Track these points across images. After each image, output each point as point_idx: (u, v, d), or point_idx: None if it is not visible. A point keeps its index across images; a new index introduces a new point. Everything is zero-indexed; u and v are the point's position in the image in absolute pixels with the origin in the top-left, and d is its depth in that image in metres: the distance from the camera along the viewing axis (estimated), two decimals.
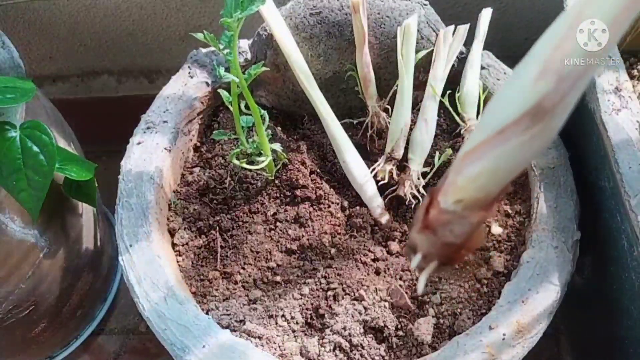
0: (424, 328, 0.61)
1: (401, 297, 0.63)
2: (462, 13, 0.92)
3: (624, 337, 0.67)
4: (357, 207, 0.72)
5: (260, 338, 0.62)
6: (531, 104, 0.32)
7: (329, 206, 0.72)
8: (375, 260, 0.68)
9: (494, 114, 0.35)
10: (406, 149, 0.74)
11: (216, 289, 0.67)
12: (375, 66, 0.75)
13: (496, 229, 0.68)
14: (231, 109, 0.67)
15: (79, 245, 0.86)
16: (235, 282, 0.68)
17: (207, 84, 0.79)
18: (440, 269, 0.40)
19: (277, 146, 0.72)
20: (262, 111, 0.69)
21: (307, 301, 0.65)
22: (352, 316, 0.63)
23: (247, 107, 0.67)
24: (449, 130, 0.76)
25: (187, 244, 0.71)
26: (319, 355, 0.61)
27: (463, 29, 0.75)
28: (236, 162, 0.70)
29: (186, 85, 0.78)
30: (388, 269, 0.67)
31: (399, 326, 0.62)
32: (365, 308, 0.63)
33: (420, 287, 0.41)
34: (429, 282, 0.65)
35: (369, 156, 0.76)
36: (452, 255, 0.39)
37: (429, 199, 0.38)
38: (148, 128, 0.75)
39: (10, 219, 0.71)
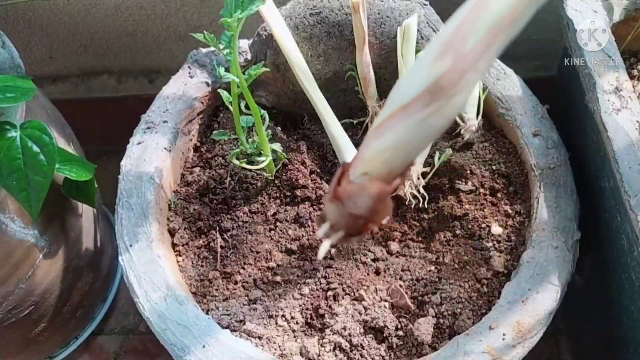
0: (424, 328, 0.61)
1: (401, 297, 0.63)
2: None
3: (624, 337, 0.67)
4: None
5: (260, 338, 0.62)
6: (430, 81, 0.33)
7: None
8: (375, 260, 0.68)
9: (401, 90, 0.36)
10: None
11: (216, 289, 0.67)
12: (375, 66, 0.75)
13: (496, 229, 0.68)
14: (231, 109, 0.67)
15: (79, 245, 0.86)
16: (235, 282, 0.68)
17: (207, 84, 0.79)
18: (346, 239, 0.41)
19: (277, 146, 0.72)
20: (262, 111, 0.69)
21: (307, 301, 0.65)
22: (352, 316, 0.63)
23: (247, 107, 0.67)
24: (449, 130, 0.76)
25: (187, 244, 0.71)
26: (319, 355, 0.61)
27: None
28: (236, 162, 0.71)
29: (186, 85, 0.78)
30: (388, 269, 0.67)
31: (399, 326, 0.62)
32: (365, 308, 0.63)
33: (321, 253, 0.42)
34: (429, 282, 0.65)
35: None
36: (357, 227, 0.40)
37: (341, 171, 0.39)
38: (148, 128, 0.75)
39: (10, 219, 0.71)
